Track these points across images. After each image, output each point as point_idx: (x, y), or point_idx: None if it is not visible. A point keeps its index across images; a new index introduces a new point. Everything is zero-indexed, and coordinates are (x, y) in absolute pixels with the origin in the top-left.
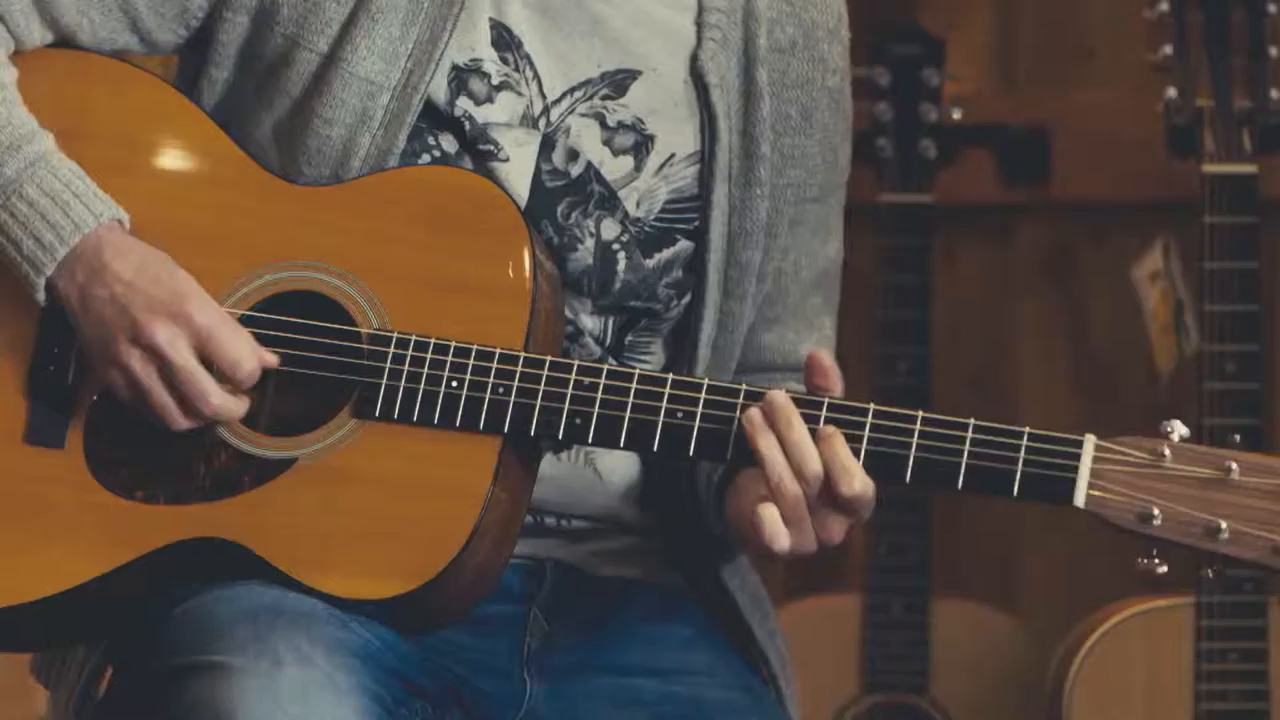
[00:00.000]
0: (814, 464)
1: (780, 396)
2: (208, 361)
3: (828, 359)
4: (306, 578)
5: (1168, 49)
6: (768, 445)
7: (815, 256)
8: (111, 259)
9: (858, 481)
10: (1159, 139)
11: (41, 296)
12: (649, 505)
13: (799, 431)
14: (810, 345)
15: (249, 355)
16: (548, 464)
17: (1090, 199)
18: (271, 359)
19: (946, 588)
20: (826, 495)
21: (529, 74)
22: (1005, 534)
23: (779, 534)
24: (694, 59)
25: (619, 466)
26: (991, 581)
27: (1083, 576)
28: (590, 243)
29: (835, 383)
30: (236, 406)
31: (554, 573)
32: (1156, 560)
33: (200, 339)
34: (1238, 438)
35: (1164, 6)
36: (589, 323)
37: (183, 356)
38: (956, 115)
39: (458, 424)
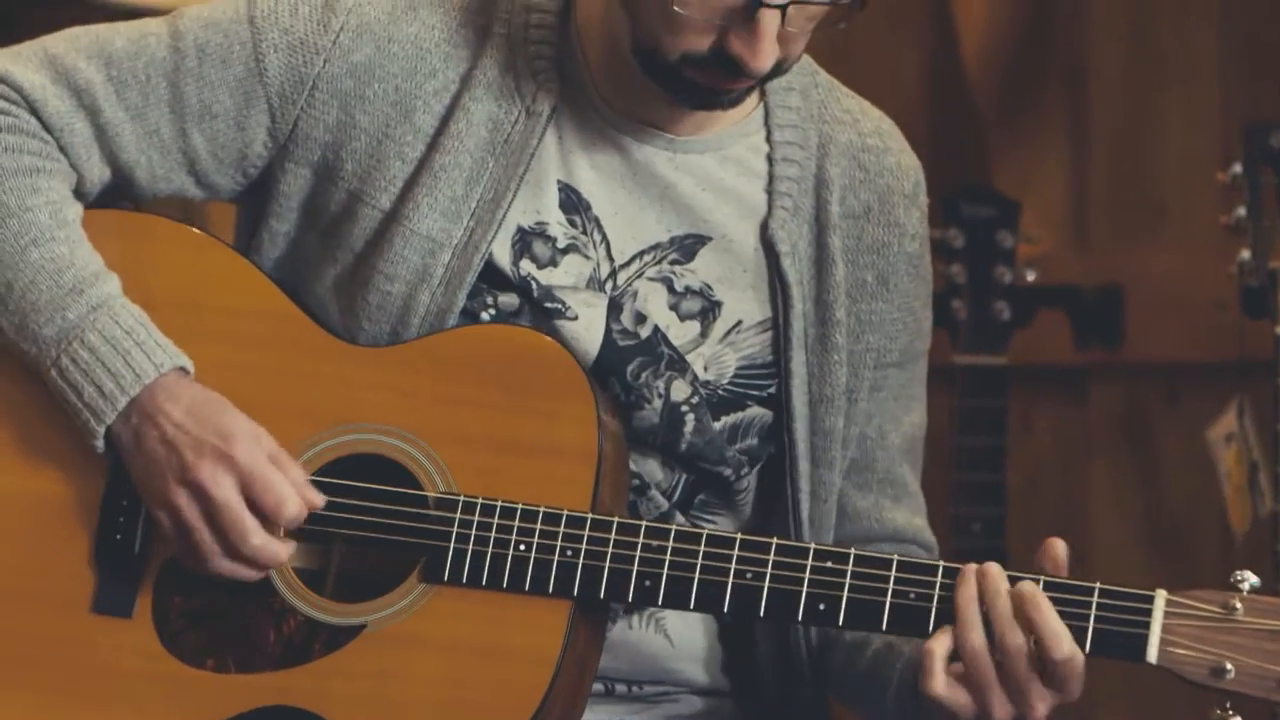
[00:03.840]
0: (1016, 636)
1: (995, 568)
2: (253, 503)
3: (1061, 551)
4: None
5: (1241, 211)
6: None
7: (900, 423)
8: (164, 401)
9: (1066, 644)
10: (1233, 300)
11: (100, 445)
12: (723, 670)
13: (1004, 602)
14: (906, 513)
15: (292, 497)
16: (618, 631)
17: (1164, 360)
18: (318, 500)
19: None
20: (1032, 665)
21: (597, 237)
22: (1084, 690)
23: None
24: (764, 227)
25: (689, 631)
26: None
27: None
28: (658, 403)
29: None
30: (279, 550)
31: None
32: (1231, 713)
33: (244, 479)
34: None
35: (1237, 168)
36: (658, 474)
37: (225, 494)
38: (1031, 277)
39: (526, 587)
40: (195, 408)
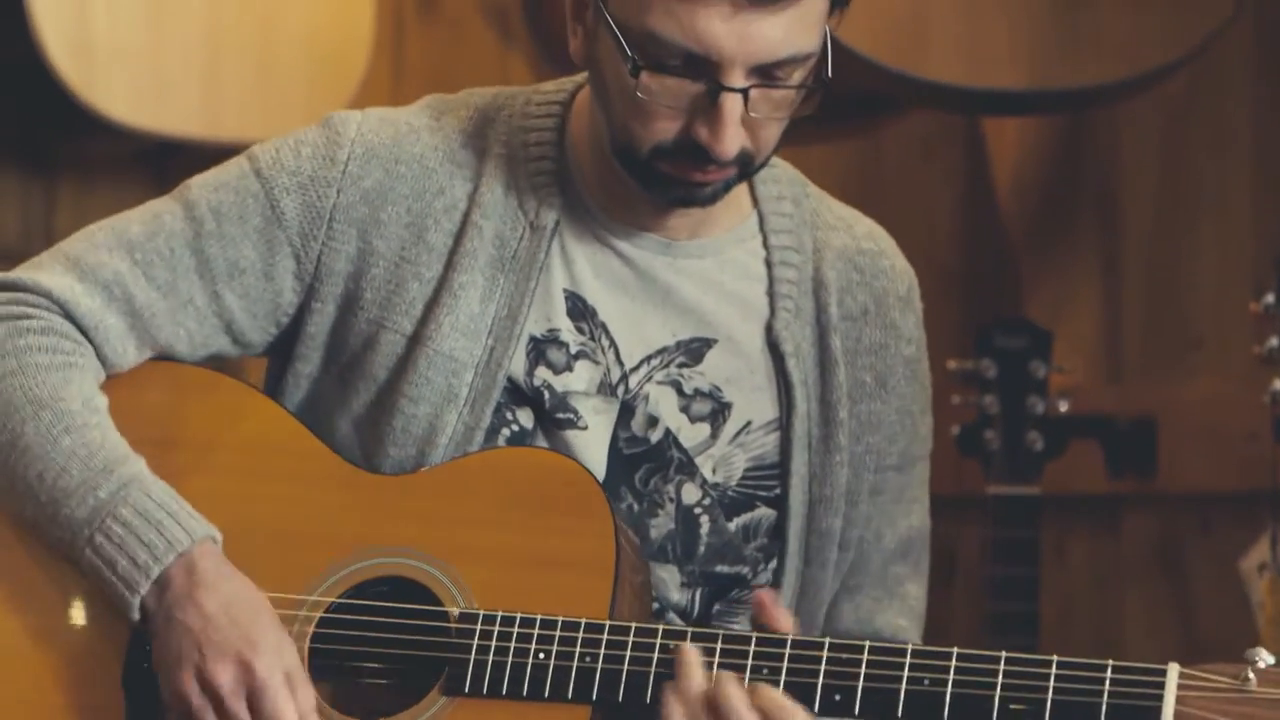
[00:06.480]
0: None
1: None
2: (256, 716)
3: (769, 596)
4: None
5: (1274, 340)
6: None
7: (896, 525)
8: (198, 590)
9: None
10: (1266, 430)
11: (136, 615)
12: None
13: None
14: (891, 614)
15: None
16: None
17: (1197, 490)
18: None
19: None
20: None
21: (605, 342)
22: None
23: None
24: (769, 328)
25: None
26: None
27: None
28: (671, 507)
29: (782, 620)
30: None
31: None
32: None
33: (257, 692)
34: None
35: (1270, 298)
36: (676, 596)
37: (235, 708)
38: (1063, 407)
39: (546, 695)
40: (229, 604)
